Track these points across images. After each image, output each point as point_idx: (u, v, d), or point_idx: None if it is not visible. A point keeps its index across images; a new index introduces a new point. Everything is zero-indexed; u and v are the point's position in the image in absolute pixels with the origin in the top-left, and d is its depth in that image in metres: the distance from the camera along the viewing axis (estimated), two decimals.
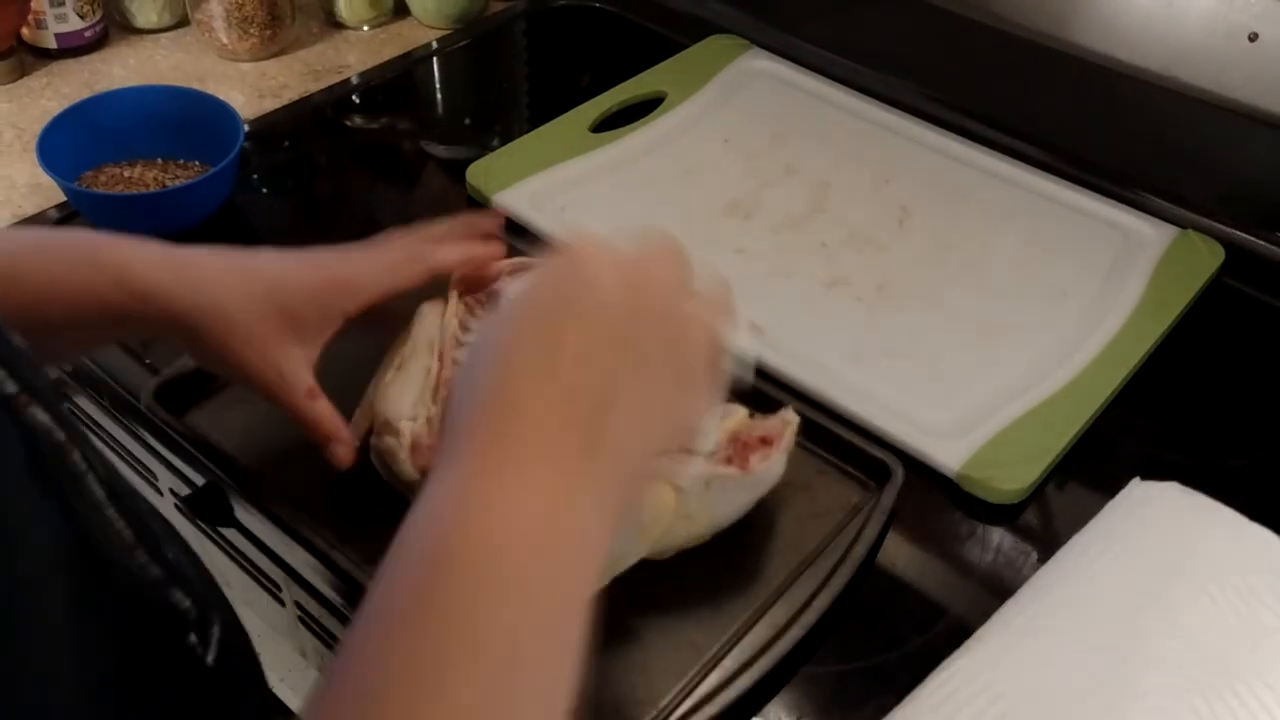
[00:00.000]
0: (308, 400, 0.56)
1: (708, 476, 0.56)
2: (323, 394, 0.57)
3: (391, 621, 0.34)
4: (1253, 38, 0.81)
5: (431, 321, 0.64)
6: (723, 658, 0.55)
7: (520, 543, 0.35)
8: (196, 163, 0.88)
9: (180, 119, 0.87)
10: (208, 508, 0.65)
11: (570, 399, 0.38)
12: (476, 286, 0.65)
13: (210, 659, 0.40)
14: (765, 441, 0.59)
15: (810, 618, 0.57)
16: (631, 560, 0.55)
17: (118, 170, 0.87)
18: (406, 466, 0.58)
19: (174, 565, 0.39)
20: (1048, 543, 0.63)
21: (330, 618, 0.63)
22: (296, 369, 0.56)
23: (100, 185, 0.85)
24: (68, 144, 0.83)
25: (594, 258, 0.41)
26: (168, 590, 0.38)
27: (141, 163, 0.88)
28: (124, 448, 0.72)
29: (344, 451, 0.59)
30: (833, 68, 1.01)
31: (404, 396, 0.60)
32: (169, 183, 0.85)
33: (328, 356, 0.65)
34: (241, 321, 0.54)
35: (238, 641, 0.43)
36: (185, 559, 0.42)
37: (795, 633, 0.56)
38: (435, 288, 0.66)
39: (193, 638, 0.39)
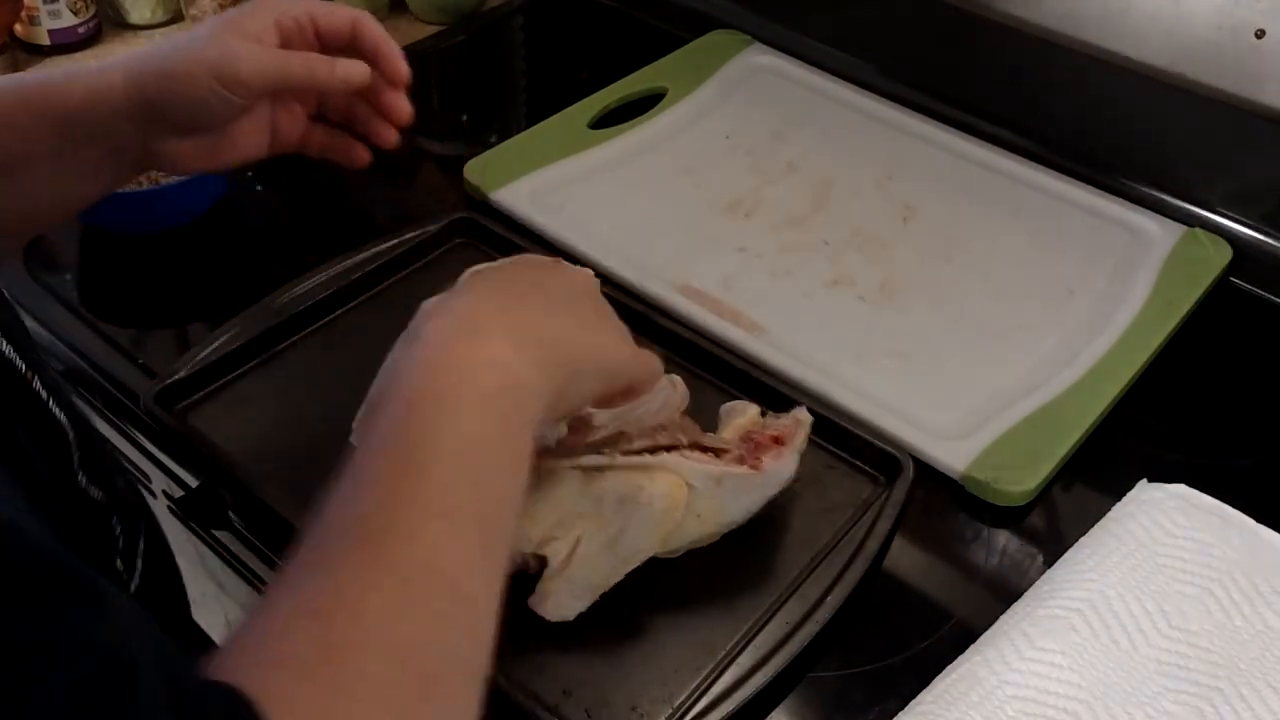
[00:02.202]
0: (282, 54, 0.56)
1: (720, 475, 0.56)
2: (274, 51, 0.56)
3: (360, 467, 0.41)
4: (1260, 34, 0.80)
5: None
6: (737, 655, 0.55)
7: (471, 382, 0.43)
8: None
9: None
10: (201, 510, 0.64)
11: (516, 306, 0.48)
12: None
13: (134, 586, 0.41)
14: (777, 440, 0.58)
15: (824, 614, 0.56)
16: (643, 558, 0.55)
17: None
18: None
19: (117, 491, 0.40)
20: (1054, 545, 0.63)
21: None
22: (251, 44, 0.55)
23: None
24: None
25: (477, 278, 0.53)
26: (107, 516, 0.40)
27: None
28: (117, 449, 0.71)
29: (345, 69, 0.58)
30: (836, 63, 1.00)
31: None
32: (162, 179, 0.84)
33: (334, 354, 0.64)
34: (187, 38, 0.56)
35: (162, 565, 0.44)
36: (122, 482, 0.43)
37: (810, 629, 0.56)
38: (441, 285, 0.65)
39: (119, 564, 0.40)
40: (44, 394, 0.40)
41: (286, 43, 0.57)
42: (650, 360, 0.54)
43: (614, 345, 0.52)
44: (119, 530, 0.42)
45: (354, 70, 0.58)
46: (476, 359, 0.43)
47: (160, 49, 0.56)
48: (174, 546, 0.57)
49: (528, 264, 0.56)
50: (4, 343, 0.39)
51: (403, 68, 0.60)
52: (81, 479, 0.41)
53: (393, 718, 0.35)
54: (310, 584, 0.37)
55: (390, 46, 0.60)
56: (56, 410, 0.41)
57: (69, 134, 0.56)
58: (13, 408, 0.38)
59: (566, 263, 0.56)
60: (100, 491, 0.42)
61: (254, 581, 0.67)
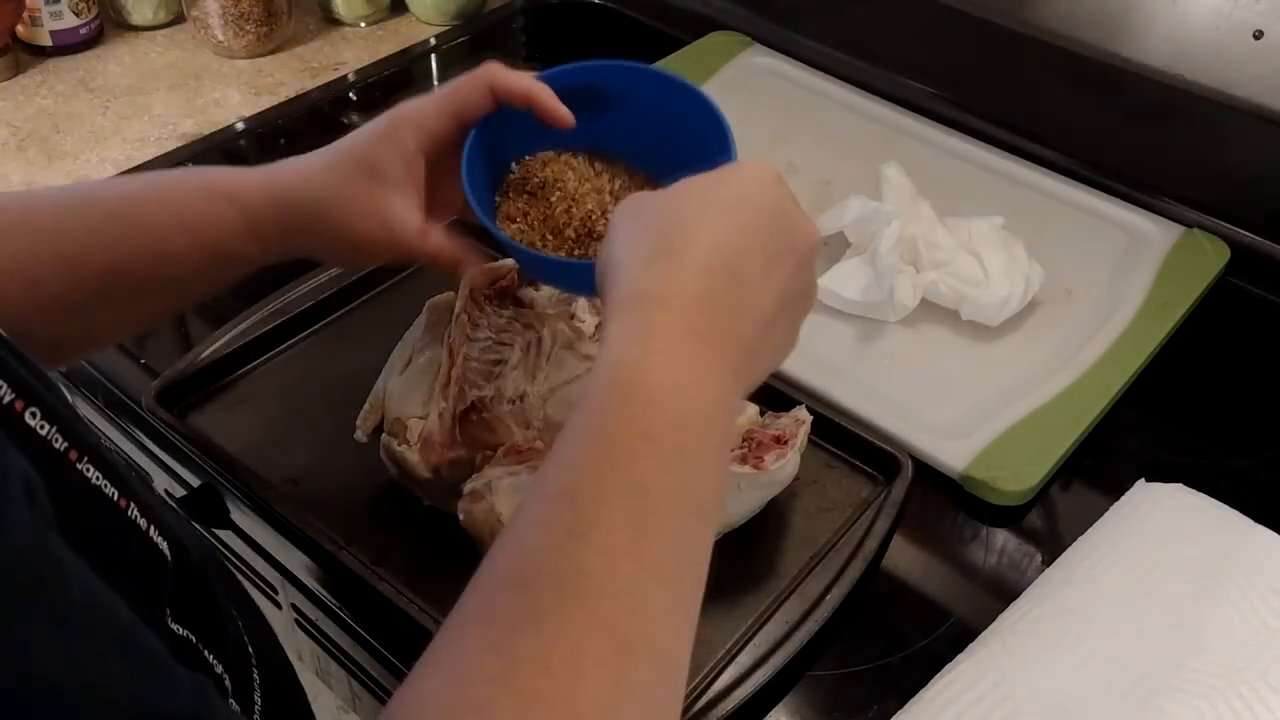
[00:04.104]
0: (422, 241, 0.55)
1: None
2: (435, 227, 0.55)
3: (561, 486, 0.37)
4: (1258, 35, 0.81)
5: (440, 317, 0.64)
6: (737, 654, 0.55)
7: (703, 429, 0.39)
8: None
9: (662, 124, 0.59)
10: (203, 509, 0.64)
11: (712, 297, 0.41)
12: (485, 283, 0.65)
13: None
14: (779, 440, 0.59)
15: (823, 613, 0.57)
16: None
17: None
18: (418, 465, 0.58)
19: (219, 625, 0.39)
20: (1052, 545, 0.63)
21: (328, 620, 0.62)
22: (402, 216, 0.54)
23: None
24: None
25: (754, 171, 0.45)
26: (202, 654, 0.38)
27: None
28: (118, 449, 0.71)
29: (476, 273, 0.60)
30: (834, 64, 1.00)
31: (414, 394, 0.60)
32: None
33: (334, 354, 0.64)
34: (333, 196, 0.54)
35: (285, 694, 0.43)
36: (235, 610, 0.42)
37: (809, 628, 0.56)
38: (440, 285, 0.66)
39: (233, 704, 0.38)
40: (142, 522, 0.35)
41: (435, 153, 0.56)
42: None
43: (797, 327, 0.47)
44: (221, 669, 0.38)
45: (479, 280, 0.62)
46: (706, 398, 0.39)
47: (306, 199, 0.54)
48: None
49: (755, 221, 0.44)
50: (91, 469, 0.33)
51: (565, 115, 0.55)
52: (169, 618, 0.36)
53: None
54: (512, 646, 0.33)
55: (543, 96, 0.55)
56: (158, 538, 0.35)
57: (225, 265, 0.56)
58: (105, 542, 0.33)
59: (798, 207, 0.45)
60: (190, 629, 0.37)
61: (257, 582, 0.67)
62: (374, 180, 0.54)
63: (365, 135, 0.55)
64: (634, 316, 0.40)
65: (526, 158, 0.59)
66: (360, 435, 0.62)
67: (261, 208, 0.54)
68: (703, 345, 0.40)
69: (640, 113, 0.59)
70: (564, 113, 0.55)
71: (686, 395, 0.39)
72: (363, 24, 1.11)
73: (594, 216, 0.57)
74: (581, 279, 0.53)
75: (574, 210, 0.57)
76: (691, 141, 0.56)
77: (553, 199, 0.57)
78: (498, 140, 0.57)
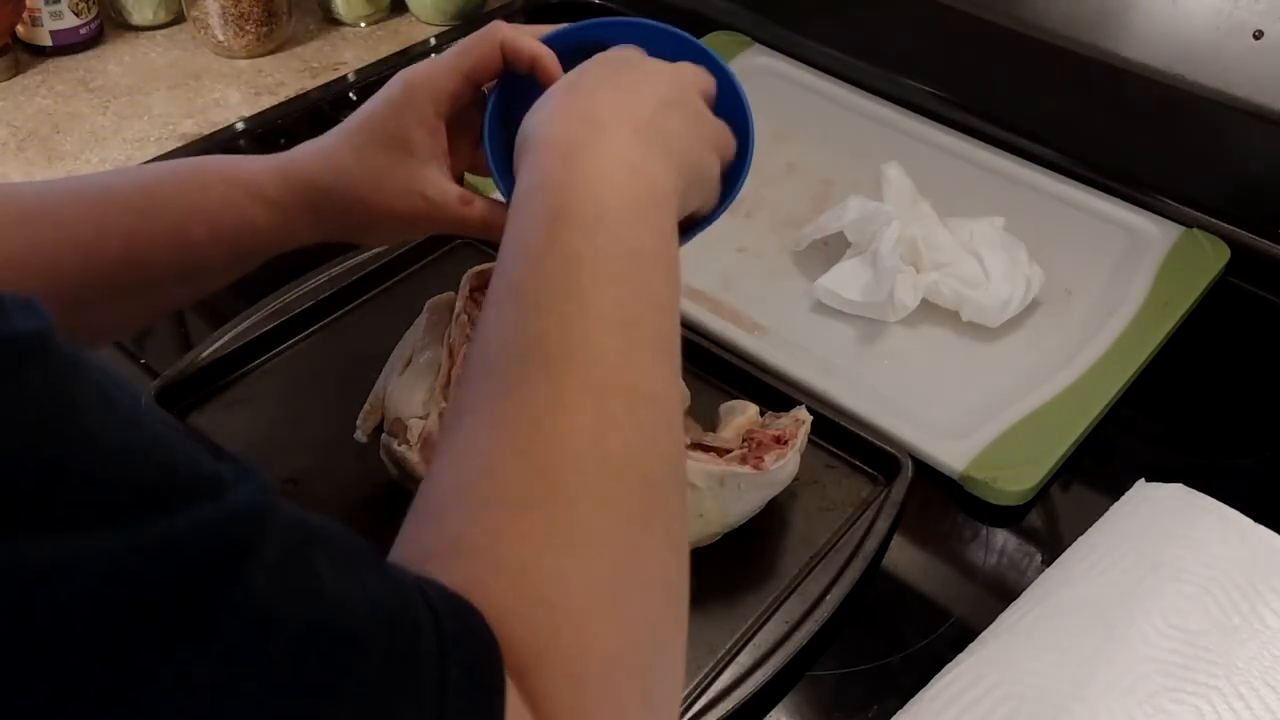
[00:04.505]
0: (465, 210, 0.54)
1: (723, 475, 0.56)
2: (475, 195, 0.55)
3: (520, 285, 0.40)
4: (1258, 35, 0.81)
5: (440, 317, 0.64)
6: (737, 654, 0.55)
7: (618, 191, 0.42)
8: None
9: None
10: None
11: (632, 102, 0.46)
12: (486, 283, 0.65)
13: None
14: (779, 440, 0.59)
15: (823, 613, 0.57)
16: None
17: None
18: (418, 465, 0.58)
19: None
20: (1052, 545, 0.63)
21: None
22: (439, 188, 0.54)
23: None
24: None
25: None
26: None
27: None
28: None
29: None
30: (835, 64, 1.00)
31: (414, 393, 0.60)
32: None
33: (334, 354, 0.64)
34: (364, 177, 0.53)
35: None
36: None
37: (809, 628, 0.56)
38: (440, 286, 0.66)
39: None
40: None
41: (453, 115, 0.55)
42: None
43: (714, 157, 0.51)
44: None
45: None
46: (611, 164, 0.43)
47: (335, 184, 0.54)
48: None
49: (624, 56, 0.51)
50: None
51: (556, 70, 0.56)
52: None
53: (622, 530, 0.35)
54: (502, 416, 0.36)
55: (545, 61, 0.55)
56: None
57: (248, 256, 0.56)
58: None
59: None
60: None
61: None
62: (403, 153, 0.53)
63: (382, 106, 0.54)
64: (530, 158, 0.44)
65: None
66: (360, 435, 0.62)
67: (287, 196, 0.54)
68: (595, 129, 0.44)
69: None
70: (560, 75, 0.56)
71: (598, 173, 0.42)
72: (363, 24, 1.11)
73: None
74: None
75: None
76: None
77: None
78: (511, 104, 0.56)
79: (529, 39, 0.55)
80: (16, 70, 1.01)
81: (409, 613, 0.29)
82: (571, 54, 0.54)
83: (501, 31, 0.54)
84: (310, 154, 0.55)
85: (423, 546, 0.35)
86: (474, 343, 0.40)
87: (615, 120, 0.45)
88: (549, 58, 0.54)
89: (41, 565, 0.22)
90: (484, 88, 0.56)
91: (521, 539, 0.34)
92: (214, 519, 0.25)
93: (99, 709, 0.22)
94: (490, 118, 0.55)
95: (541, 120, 0.46)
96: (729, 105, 0.55)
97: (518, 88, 0.55)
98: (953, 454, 0.66)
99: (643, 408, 0.38)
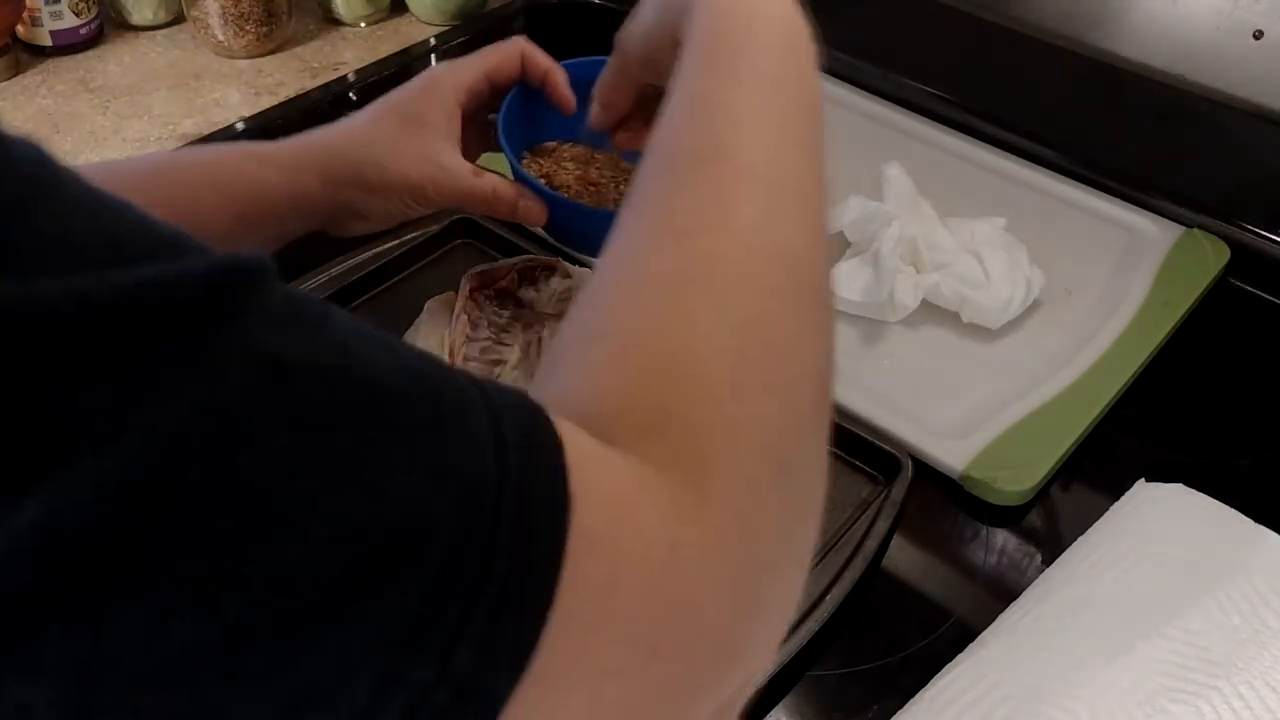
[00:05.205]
0: (478, 180, 0.58)
1: None
2: (487, 170, 0.58)
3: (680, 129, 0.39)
4: (1258, 35, 0.81)
5: (441, 317, 0.64)
6: None
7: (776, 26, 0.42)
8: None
9: None
10: None
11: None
12: (486, 283, 0.65)
13: None
14: None
15: (823, 613, 0.57)
16: None
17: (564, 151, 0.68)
18: None
19: None
20: (1052, 545, 0.63)
21: None
22: (453, 159, 0.58)
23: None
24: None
25: None
26: None
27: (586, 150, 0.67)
28: None
29: (532, 206, 0.60)
30: (835, 64, 0.99)
31: None
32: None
33: None
34: (383, 145, 0.57)
35: None
36: None
37: (809, 628, 0.56)
38: (441, 285, 0.66)
39: None
40: None
41: (470, 109, 0.60)
42: None
43: None
44: None
45: (532, 214, 0.60)
46: (765, 8, 0.42)
47: (350, 147, 0.57)
48: None
49: None
50: None
51: (570, 98, 0.61)
52: None
53: (779, 315, 0.34)
54: (663, 208, 0.36)
55: (557, 76, 0.61)
56: None
57: (256, 221, 0.56)
58: None
59: None
60: None
61: None
62: (421, 128, 0.57)
63: (405, 92, 0.59)
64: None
65: (544, 142, 0.64)
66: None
67: (300, 159, 0.57)
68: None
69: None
70: (569, 98, 0.61)
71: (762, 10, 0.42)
72: (363, 24, 1.11)
73: (604, 191, 0.62)
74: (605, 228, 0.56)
75: (585, 180, 0.63)
76: None
77: (566, 168, 0.63)
78: (523, 115, 0.61)
79: (545, 57, 0.60)
80: (16, 70, 1.01)
81: (449, 379, 0.26)
82: (585, 83, 0.59)
83: (523, 44, 0.59)
84: (333, 128, 0.58)
85: (559, 344, 0.34)
86: (644, 157, 0.40)
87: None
88: (561, 74, 0.60)
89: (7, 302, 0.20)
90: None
91: (664, 312, 0.32)
92: (205, 264, 0.23)
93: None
94: (508, 106, 0.60)
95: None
96: None
97: (529, 99, 0.61)
98: (953, 454, 0.66)
99: (804, 205, 0.38)
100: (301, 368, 0.23)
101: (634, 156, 0.64)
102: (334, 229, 0.61)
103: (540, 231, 0.63)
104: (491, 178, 0.58)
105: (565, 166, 0.64)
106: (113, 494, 0.20)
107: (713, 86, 0.40)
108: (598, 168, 0.64)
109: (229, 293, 0.23)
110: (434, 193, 0.58)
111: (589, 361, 0.31)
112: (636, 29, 0.52)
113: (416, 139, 0.57)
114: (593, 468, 0.27)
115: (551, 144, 0.64)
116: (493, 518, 0.24)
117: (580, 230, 0.62)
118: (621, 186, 0.64)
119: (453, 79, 0.58)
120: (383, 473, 0.23)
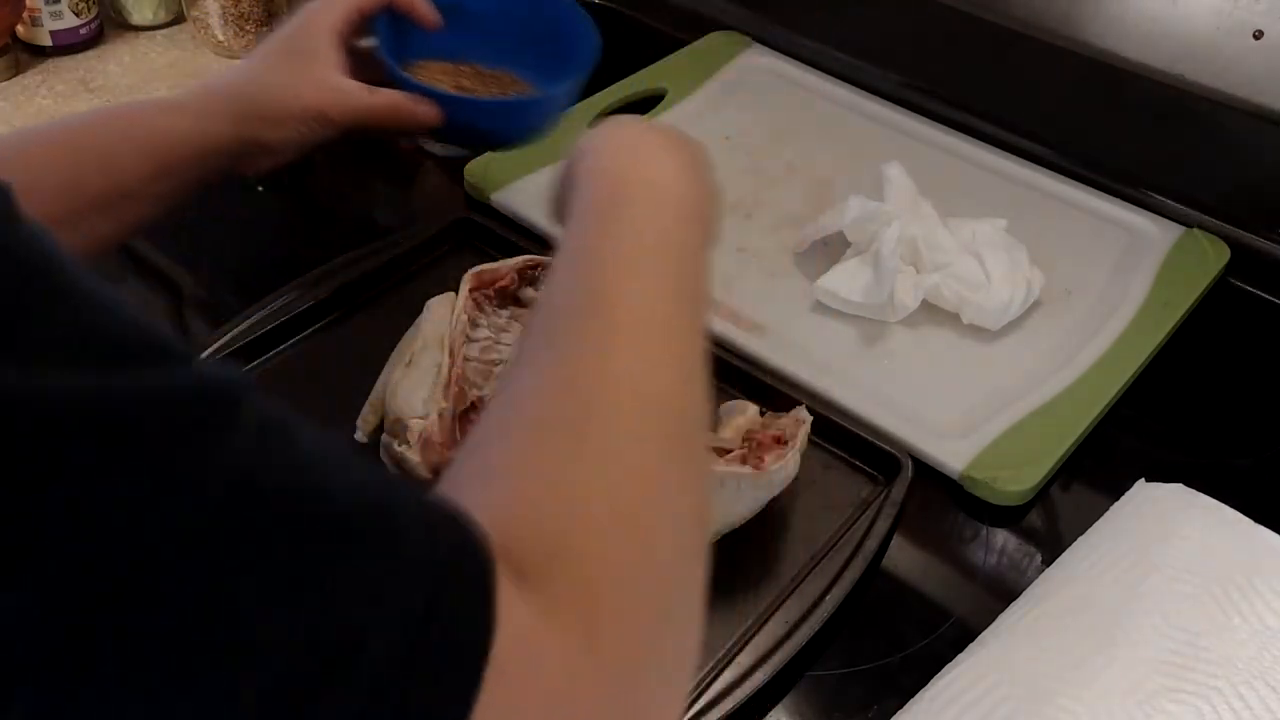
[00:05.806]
0: (374, 96, 0.64)
1: (722, 475, 0.56)
2: (380, 88, 0.65)
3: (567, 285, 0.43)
4: (1258, 35, 0.81)
5: (441, 317, 0.64)
6: (737, 654, 0.55)
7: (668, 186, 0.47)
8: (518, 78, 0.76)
9: (527, 28, 0.76)
10: None
11: (666, 152, 0.49)
12: (486, 283, 0.65)
13: None
14: (779, 441, 0.59)
15: (823, 613, 0.57)
16: None
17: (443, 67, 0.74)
18: (418, 465, 0.58)
19: None
20: (1052, 545, 0.63)
21: None
22: (346, 82, 0.64)
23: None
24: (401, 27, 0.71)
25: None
26: None
27: (470, 68, 0.75)
28: None
29: (429, 110, 0.65)
30: (835, 64, 1.00)
31: (415, 394, 0.60)
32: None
33: (333, 354, 0.63)
34: (279, 78, 0.63)
35: None
36: None
37: (809, 628, 0.56)
38: (441, 285, 0.66)
39: None
40: None
41: (346, 38, 0.66)
42: None
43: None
44: None
45: (430, 116, 0.65)
46: (649, 175, 0.47)
47: (249, 86, 0.63)
48: None
49: (645, 125, 0.55)
50: None
51: (432, 14, 0.69)
52: None
53: (655, 459, 0.36)
54: (549, 359, 0.39)
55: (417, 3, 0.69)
56: None
57: (173, 169, 0.60)
58: None
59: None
60: None
61: None
62: (311, 59, 0.64)
63: (288, 28, 0.65)
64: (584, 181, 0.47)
65: (413, 62, 0.71)
66: (360, 435, 0.62)
67: (211, 109, 0.61)
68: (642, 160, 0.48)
69: (512, 18, 0.75)
70: (432, 14, 0.69)
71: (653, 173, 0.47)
72: None
73: (477, 95, 0.71)
74: (496, 117, 0.69)
75: (459, 88, 0.71)
76: (561, 41, 0.74)
77: (440, 81, 0.71)
78: (393, 37, 0.68)
79: None
80: (16, 70, 1.01)
81: (396, 499, 0.29)
82: (444, 3, 0.69)
83: None
84: (229, 73, 0.65)
85: (459, 476, 0.36)
86: (534, 310, 0.43)
87: (657, 149, 0.49)
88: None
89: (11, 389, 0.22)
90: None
91: (552, 454, 0.35)
92: (191, 378, 0.25)
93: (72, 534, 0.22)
94: (382, 27, 0.67)
95: (588, 143, 0.51)
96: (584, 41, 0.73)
97: (396, 22, 0.69)
98: (953, 454, 0.66)
99: (679, 352, 0.41)
100: (268, 487, 0.25)
101: (495, 63, 0.74)
102: (245, 168, 0.64)
103: (437, 149, 0.72)
104: (385, 91, 0.64)
105: (439, 80, 0.71)
106: (60, 601, 0.22)
107: (593, 244, 0.44)
108: (466, 78, 0.73)
109: (211, 409, 0.25)
110: (337, 114, 0.63)
111: (486, 503, 0.33)
112: (548, 200, 0.55)
113: (310, 69, 0.63)
114: (507, 599, 0.29)
115: (420, 62, 0.72)
116: (421, 646, 0.26)
117: (472, 123, 0.69)
118: (492, 89, 0.73)
119: (329, 12, 0.65)
120: (324, 595, 0.25)
